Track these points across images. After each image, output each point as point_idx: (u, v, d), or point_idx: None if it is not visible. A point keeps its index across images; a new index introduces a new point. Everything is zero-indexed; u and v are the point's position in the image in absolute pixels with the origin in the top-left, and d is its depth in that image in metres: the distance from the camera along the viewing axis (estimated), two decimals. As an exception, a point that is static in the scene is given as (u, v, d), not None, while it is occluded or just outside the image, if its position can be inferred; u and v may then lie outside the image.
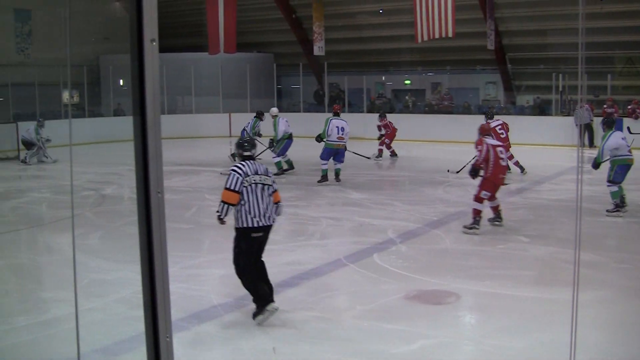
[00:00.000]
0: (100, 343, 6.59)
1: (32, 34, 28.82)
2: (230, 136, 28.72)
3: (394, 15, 29.85)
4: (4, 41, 28.06)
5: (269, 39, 34.06)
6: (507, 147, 15.25)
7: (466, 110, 29.27)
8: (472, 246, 10.46)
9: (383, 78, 33.82)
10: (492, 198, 11.22)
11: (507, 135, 16.63)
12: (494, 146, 11.17)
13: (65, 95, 29.53)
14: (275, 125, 17.90)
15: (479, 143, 11.13)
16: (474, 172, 11.32)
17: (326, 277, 8.93)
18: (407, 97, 31.66)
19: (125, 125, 23.03)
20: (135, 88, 2.15)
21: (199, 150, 24.80)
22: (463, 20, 25.62)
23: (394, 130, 21.72)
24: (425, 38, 24.18)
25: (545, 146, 23.43)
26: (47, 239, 11.22)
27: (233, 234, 7.11)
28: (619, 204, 12.09)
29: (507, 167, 12.52)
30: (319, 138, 16.81)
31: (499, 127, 16.61)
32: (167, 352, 2.27)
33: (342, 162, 16.66)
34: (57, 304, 7.76)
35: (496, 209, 11.45)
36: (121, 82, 31.27)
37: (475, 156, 11.19)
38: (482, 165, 11.07)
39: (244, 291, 7.19)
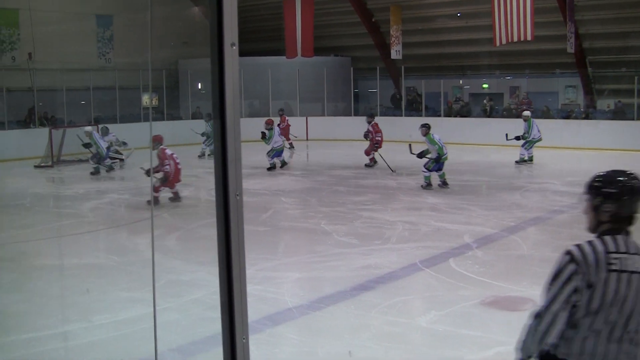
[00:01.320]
0: (175, 343, 6.67)
1: (113, 39, 29.46)
2: (307, 139, 28.86)
3: (472, 18, 29.51)
4: (87, 47, 28.69)
5: (347, 43, 34.05)
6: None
7: (545, 114, 28.72)
8: (550, 252, 10.25)
9: (460, 82, 33.47)
10: None
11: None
12: None
13: (145, 99, 30.11)
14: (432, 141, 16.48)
15: None
16: None
17: (402, 281, 8.87)
18: (484, 101, 31.23)
19: (203, 128, 23.42)
20: (215, 91, 2.16)
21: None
22: (542, 23, 25.17)
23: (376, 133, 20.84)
24: (504, 41, 23.89)
25: (625, 151, 22.83)
26: (125, 239, 11.41)
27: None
28: None
29: None
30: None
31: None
32: (244, 353, 2.27)
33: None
34: (134, 304, 7.89)
35: None
36: (199, 85, 31.71)
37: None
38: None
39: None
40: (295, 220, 12.52)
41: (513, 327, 7.22)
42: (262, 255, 9.68)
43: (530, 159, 20.79)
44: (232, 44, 2.14)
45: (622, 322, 3.32)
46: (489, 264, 9.66)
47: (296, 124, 28.98)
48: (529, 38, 23.27)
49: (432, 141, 15.91)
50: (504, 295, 8.14)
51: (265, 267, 9.16)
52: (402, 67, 30.63)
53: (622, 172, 3.46)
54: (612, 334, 3.34)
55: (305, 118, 30.25)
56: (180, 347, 6.61)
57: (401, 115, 30.12)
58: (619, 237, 3.36)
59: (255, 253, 9.59)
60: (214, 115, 2.18)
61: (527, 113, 21.32)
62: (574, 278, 3.35)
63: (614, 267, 3.29)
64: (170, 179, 13.57)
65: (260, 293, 8.02)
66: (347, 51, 34.33)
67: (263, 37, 32.78)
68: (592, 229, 3.45)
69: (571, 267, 3.36)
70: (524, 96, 30.56)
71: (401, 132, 27.32)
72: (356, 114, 31.75)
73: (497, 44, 24.04)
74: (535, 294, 7.97)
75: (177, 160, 13.26)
